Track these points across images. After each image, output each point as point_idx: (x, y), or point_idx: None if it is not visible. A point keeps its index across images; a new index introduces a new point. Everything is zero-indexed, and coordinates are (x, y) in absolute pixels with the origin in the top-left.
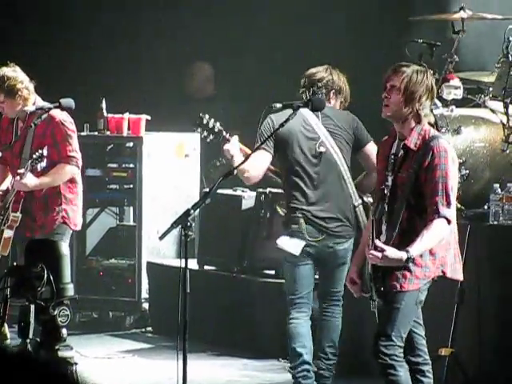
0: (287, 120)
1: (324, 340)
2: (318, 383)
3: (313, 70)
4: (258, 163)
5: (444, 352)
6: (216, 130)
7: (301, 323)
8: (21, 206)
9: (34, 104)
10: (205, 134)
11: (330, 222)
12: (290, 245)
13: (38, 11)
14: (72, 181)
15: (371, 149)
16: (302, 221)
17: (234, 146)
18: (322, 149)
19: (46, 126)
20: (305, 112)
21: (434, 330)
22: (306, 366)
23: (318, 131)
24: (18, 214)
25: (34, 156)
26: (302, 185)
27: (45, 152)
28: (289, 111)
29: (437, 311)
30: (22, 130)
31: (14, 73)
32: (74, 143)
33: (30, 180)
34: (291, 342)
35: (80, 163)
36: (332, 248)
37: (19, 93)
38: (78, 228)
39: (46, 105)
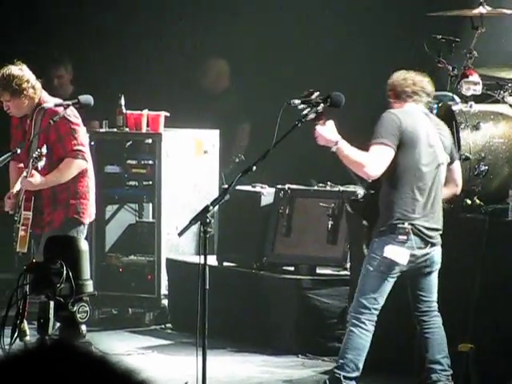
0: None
1: (437, 353)
2: None
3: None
4: (386, 160)
5: (463, 348)
6: (320, 109)
7: (370, 337)
8: (32, 204)
9: (40, 102)
10: (307, 110)
11: (433, 232)
12: (398, 254)
13: (56, 8)
14: (82, 175)
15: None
16: (410, 232)
17: (331, 130)
18: (440, 160)
19: (48, 121)
20: (423, 114)
21: (454, 327)
22: None
23: (435, 138)
24: (29, 213)
25: (34, 155)
26: (417, 194)
27: (44, 150)
28: (414, 113)
29: (456, 307)
30: (29, 127)
31: (21, 72)
32: (80, 137)
33: (36, 179)
34: (358, 354)
35: (88, 157)
36: (429, 254)
37: (25, 92)
38: (91, 220)
39: (64, 102)
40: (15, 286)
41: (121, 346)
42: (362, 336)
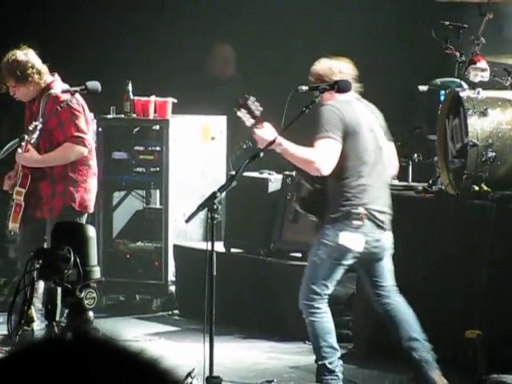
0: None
1: (411, 330)
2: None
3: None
4: (335, 153)
5: (470, 334)
6: (258, 113)
7: (330, 317)
8: (29, 183)
9: (47, 86)
10: (246, 116)
11: (384, 215)
12: (353, 241)
13: None
14: (82, 163)
15: None
16: (364, 217)
17: (271, 132)
18: (381, 143)
19: (51, 106)
20: (357, 101)
21: (461, 313)
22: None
23: (374, 122)
24: (23, 190)
25: (30, 128)
26: (365, 179)
27: (39, 125)
28: (351, 101)
29: (463, 294)
30: (35, 111)
31: (25, 56)
32: (81, 123)
33: (32, 154)
34: (328, 337)
35: (89, 144)
36: (380, 240)
37: (30, 78)
38: (88, 210)
39: (72, 88)
40: (22, 272)
41: (128, 333)
42: (323, 320)
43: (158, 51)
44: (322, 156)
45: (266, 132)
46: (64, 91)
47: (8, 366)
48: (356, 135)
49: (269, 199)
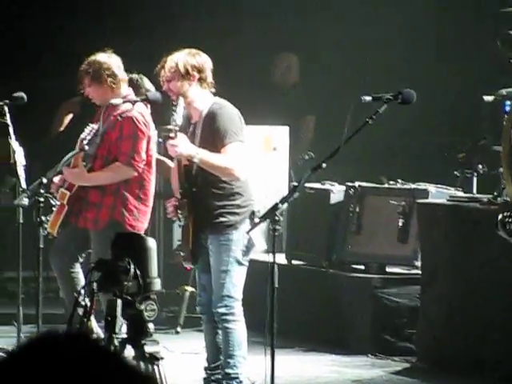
0: None
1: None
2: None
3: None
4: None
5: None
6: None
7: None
8: (76, 187)
9: (123, 97)
10: (176, 121)
11: None
12: (256, 240)
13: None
14: (136, 183)
15: None
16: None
17: (186, 142)
18: None
19: (107, 115)
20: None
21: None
22: None
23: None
24: (67, 192)
25: (84, 142)
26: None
27: (95, 138)
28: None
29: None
30: (96, 120)
31: (106, 59)
32: (140, 144)
33: (80, 171)
34: (243, 348)
35: (140, 168)
36: None
37: (102, 79)
38: (140, 231)
39: (132, 97)
40: (83, 284)
41: (188, 345)
42: (241, 328)
43: (219, 60)
44: (239, 162)
45: (183, 143)
46: (125, 101)
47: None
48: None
49: (331, 210)
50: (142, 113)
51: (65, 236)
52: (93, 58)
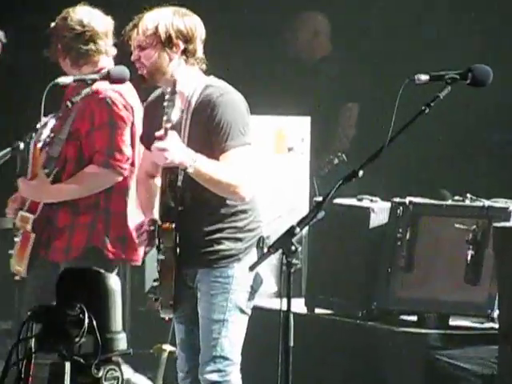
0: None
1: None
2: None
3: None
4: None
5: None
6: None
7: None
8: (41, 208)
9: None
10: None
11: None
12: (268, 280)
13: None
14: (119, 191)
15: None
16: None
17: (179, 145)
18: None
19: (87, 105)
20: None
21: None
22: None
23: None
24: (31, 216)
25: (42, 138)
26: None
27: (62, 136)
28: None
29: None
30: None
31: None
32: (121, 137)
33: (40, 182)
34: None
35: (125, 170)
36: None
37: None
38: (125, 259)
39: (89, 75)
40: (15, 340)
41: None
42: None
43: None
44: (246, 176)
45: (176, 145)
46: (76, 80)
47: None
48: None
49: (370, 237)
50: (120, 92)
51: (39, 277)
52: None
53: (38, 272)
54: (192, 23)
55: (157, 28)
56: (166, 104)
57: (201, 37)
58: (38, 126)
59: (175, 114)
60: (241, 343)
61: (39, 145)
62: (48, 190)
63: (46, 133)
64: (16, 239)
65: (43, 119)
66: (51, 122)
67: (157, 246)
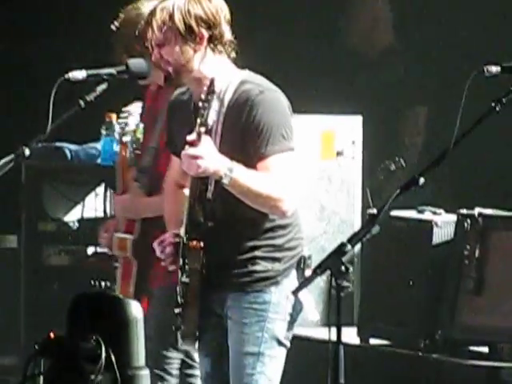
0: None
1: None
2: None
3: None
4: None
5: None
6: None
7: None
8: (139, 227)
9: None
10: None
11: None
12: (311, 307)
13: None
14: None
15: None
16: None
17: (214, 152)
18: None
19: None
20: None
21: None
22: None
23: None
24: (127, 237)
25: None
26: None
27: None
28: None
29: None
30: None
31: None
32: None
33: (133, 199)
34: None
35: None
36: None
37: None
38: None
39: (104, 69)
40: (21, 377)
41: None
42: None
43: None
44: (290, 188)
45: (210, 152)
46: (90, 76)
47: None
48: None
49: (433, 255)
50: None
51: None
52: None
53: (154, 303)
54: (211, 4)
55: (173, 20)
56: (201, 105)
57: (225, 17)
58: (120, 120)
59: (211, 117)
60: (278, 380)
61: (126, 153)
62: (141, 203)
63: (129, 134)
64: (116, 270)
65: (126, 109)
66: (135, 113)
67: (180, 267)
